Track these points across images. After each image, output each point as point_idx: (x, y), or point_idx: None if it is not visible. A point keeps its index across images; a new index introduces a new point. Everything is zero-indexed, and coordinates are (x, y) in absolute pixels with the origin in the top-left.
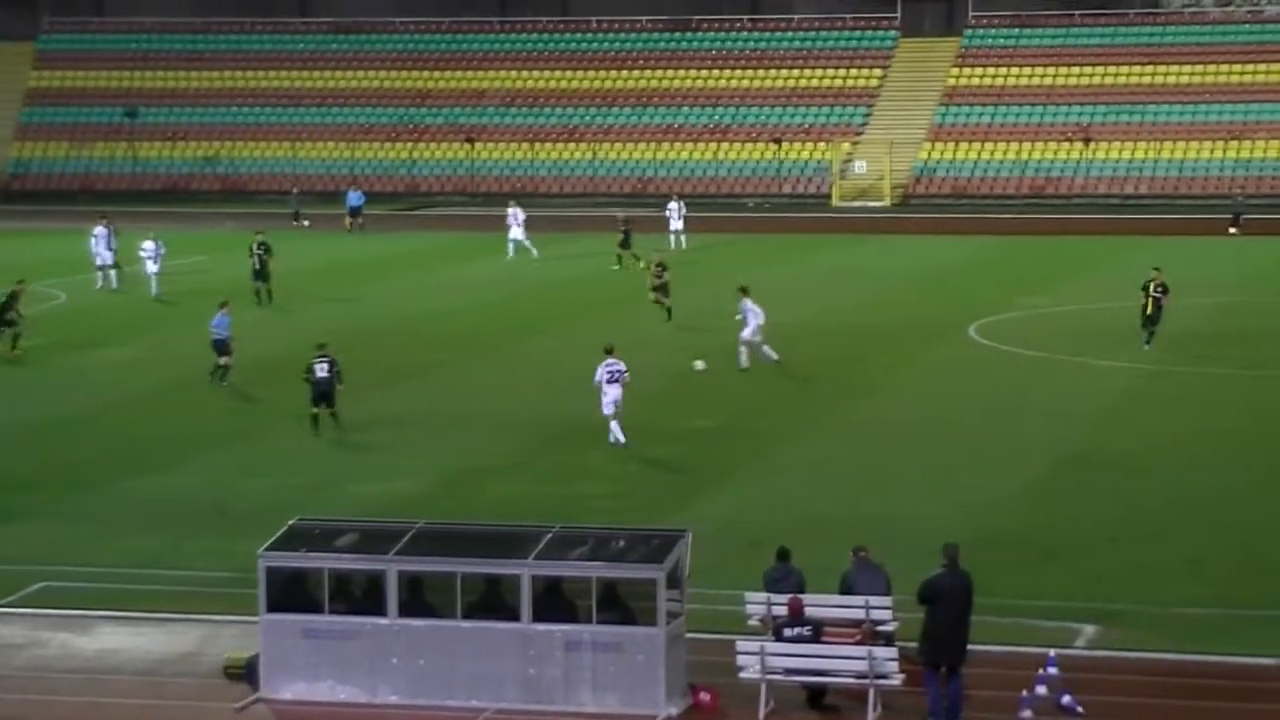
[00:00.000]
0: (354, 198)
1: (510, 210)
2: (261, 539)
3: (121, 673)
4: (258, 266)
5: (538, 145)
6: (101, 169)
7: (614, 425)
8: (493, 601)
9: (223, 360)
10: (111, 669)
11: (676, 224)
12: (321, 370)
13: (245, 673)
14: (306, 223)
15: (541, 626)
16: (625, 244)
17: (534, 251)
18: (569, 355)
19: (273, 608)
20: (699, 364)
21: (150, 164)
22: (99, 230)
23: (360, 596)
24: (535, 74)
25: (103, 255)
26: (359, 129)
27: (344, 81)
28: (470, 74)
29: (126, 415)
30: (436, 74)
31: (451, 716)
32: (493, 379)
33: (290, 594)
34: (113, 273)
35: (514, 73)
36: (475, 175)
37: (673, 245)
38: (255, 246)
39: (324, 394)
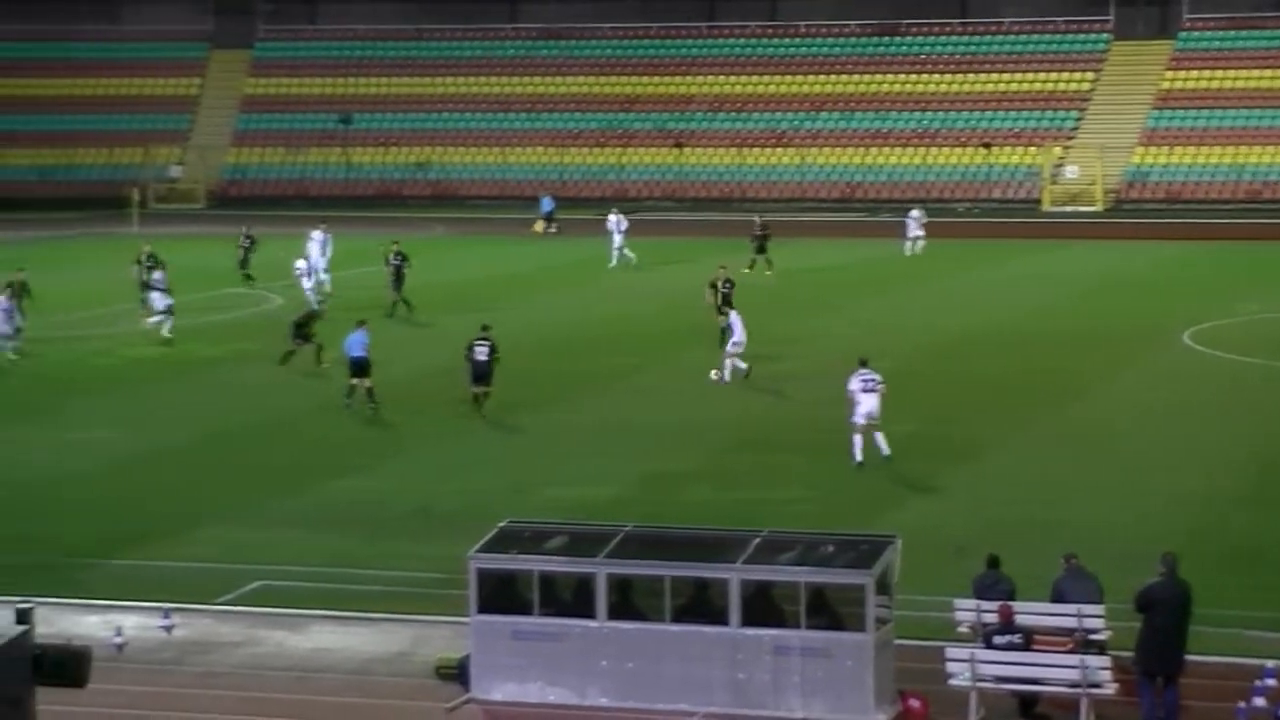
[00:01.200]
0: (546, 203)
1: (612, 217)
2: (465, 541)
3: (334, 671)
4: (394, 276)
5: (745, 150)
6: (315, 174)
7: (878, 437)
8: (701, 605)
9: (356, 381)
10: (324, 667)
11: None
12: (481, 353)
13: (456, 673)
14: (554, 228)
15: (750, 631)
16: (761, 249)
17: (633, 258)
18: (761, 360)
19: (483, 609)
20: (713, 375)
21: (363, 170)
22: (315, 235)
23: (570, 599)
24: (742, 79)
25: (315, 259)
26: (567, 134)
27: (552, 87)
28: (677, 79)
29: (330, 418)
30: (644, 79)
31: (660, 719)
32: (686, 383)
33: (500, 596)
34: (325, 277)
35: (721, 78)
36: (683, 180)
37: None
38: (392, 256)
39: (482, 375)
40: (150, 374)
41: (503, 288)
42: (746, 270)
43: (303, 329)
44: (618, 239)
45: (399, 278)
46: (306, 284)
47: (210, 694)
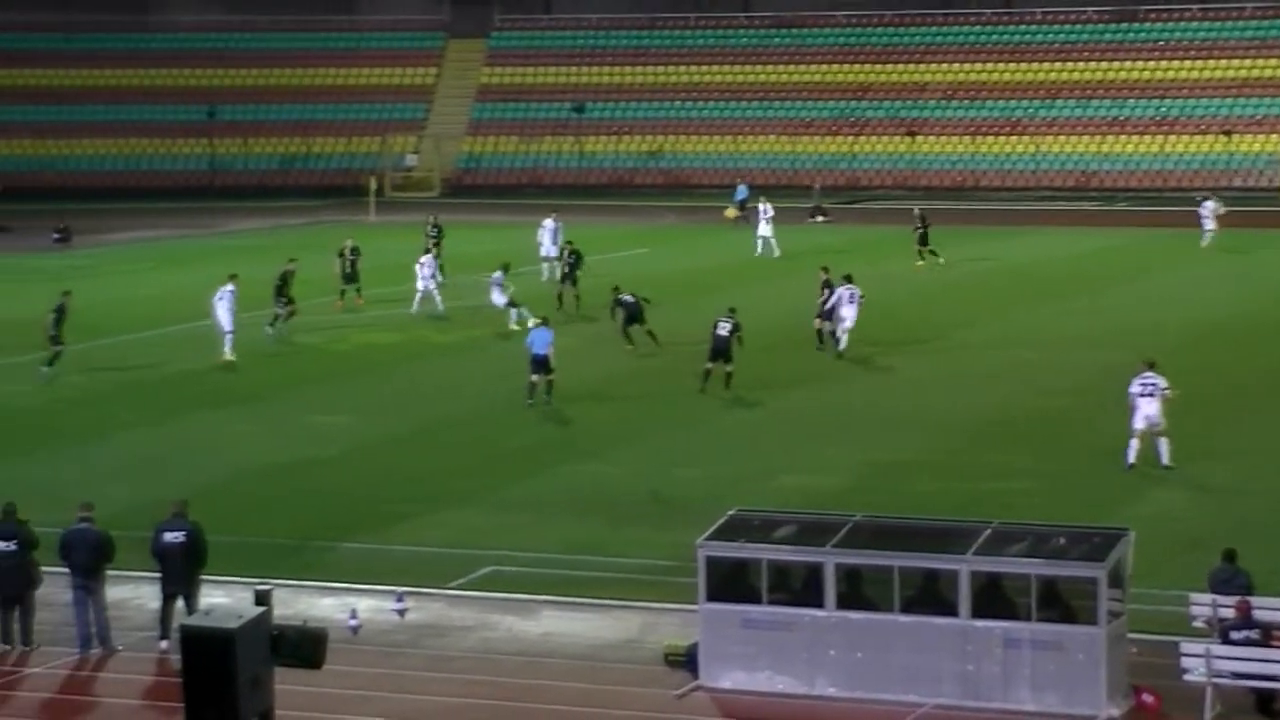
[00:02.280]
0: (740, 191)
1: (761, 206)
2: (695, 528)
3: (564, 656)
4: (566, 270)
5: (979, 139)
6: (548, 163)
7: (1160, 444)
8: (930, 597)
9: (537, 378)
10: (554, 652)
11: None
12: (723, 329)
13: (685, 660)
14: (821, 218)
15: (980, 623)
16: (924, 240)
17: (776, 251)
18: (991, 351)
19: (712, 597)
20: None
21: (595, 159)
22: (548, 223)
23: (798, 588)
24: (977, 66)
25: (547, 248)
26: (799, 123)
27: (785, 76)
28: (911, 67)
29: (563, 402)
30: (877, 67)
31: (888, 710)
32: (916, 373)
33: (729, 584)
34: (556, 265)
35: (955, 65)
36: (915, 169)
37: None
38: (566, 254)
39: (721, 351)
40: (385, 360)
41: (725, 275)
42: (919, 264)
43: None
44: (764, 227)
45: (572, 271)
46: (422, 277)
47: (442, 677)
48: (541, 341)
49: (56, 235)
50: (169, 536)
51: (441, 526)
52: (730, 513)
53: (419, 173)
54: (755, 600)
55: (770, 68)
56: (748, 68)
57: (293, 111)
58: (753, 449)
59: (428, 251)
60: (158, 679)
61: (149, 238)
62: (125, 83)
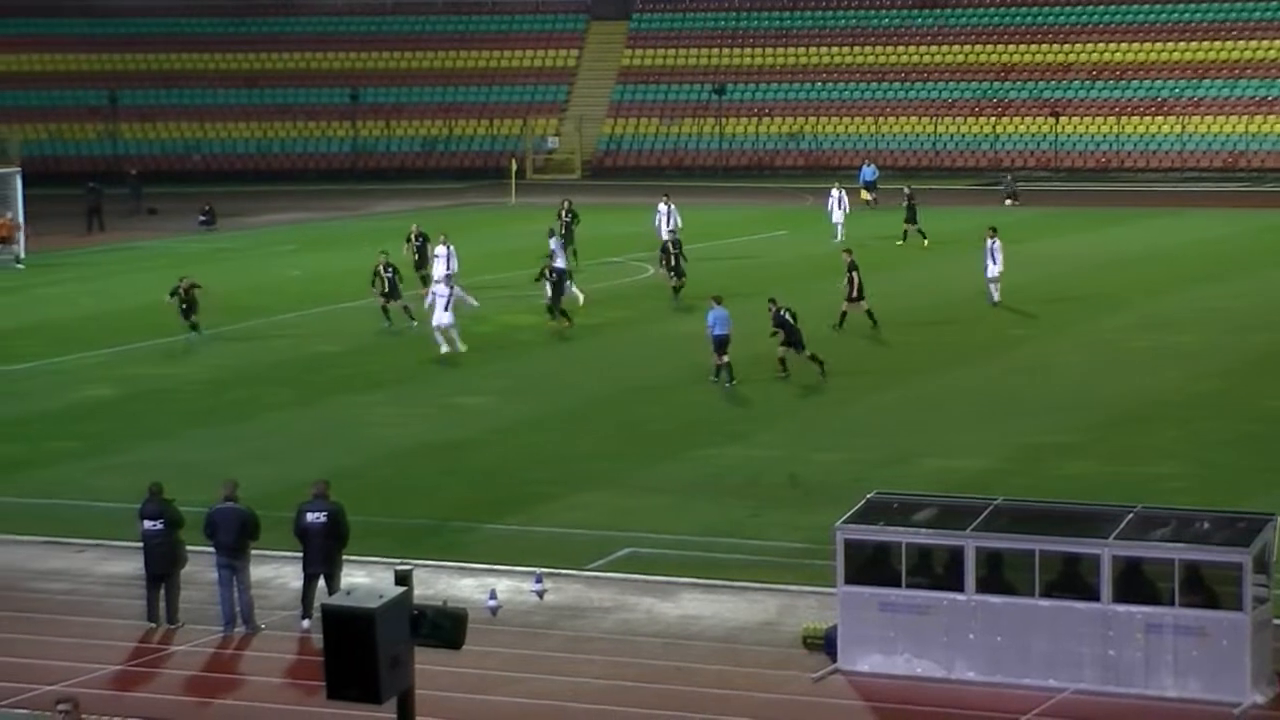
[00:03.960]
0: (867, 172)
1: (834, 192)
2: (834, 511)
3: (702, 638)
4: (673, 263)
5: (1124, 119)
6: (689, 145)
7: None
8: (1071, 581)
9: (724, 359)
10: (693, 634)
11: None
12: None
13: (823, 643)
14: (1010, 201)
15: (1122, 608)
16: (911, 219)
17: (840, 236)
18: (1140, 333)
19: (851, 580)
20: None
21: (736, 140)
22: (661, 207)
23: (937, 572)
24: (1122, 46)
25: (662, 231)
26: (941, 104)
27: (927, 56)
28: (1055, 47)
29: (706, 386)
30: (1021, 48)
31: (1028, 695)
32: (1063, 355)
33: (868, 567)
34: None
35: (1100, 45)
36: (1059, 150)
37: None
38: (671, 245)
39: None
40: (528, 341)
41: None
42: (899, 243)
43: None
44: (838, 215)
45: (677, 263)
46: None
47: (580, 658)
48: (721, 321)
49: (202, 218)
50: (311, 517)
51: (581, 508)
52: (869, 496)
53: (560, 155)
54: (894, 584)
55: (912, 48)
56: (889, 48)
57: (435, 94)
58: (893, 432)
59: (554, 234)
60: (299, 658)
61: (293, 220)
62: (271, 66)
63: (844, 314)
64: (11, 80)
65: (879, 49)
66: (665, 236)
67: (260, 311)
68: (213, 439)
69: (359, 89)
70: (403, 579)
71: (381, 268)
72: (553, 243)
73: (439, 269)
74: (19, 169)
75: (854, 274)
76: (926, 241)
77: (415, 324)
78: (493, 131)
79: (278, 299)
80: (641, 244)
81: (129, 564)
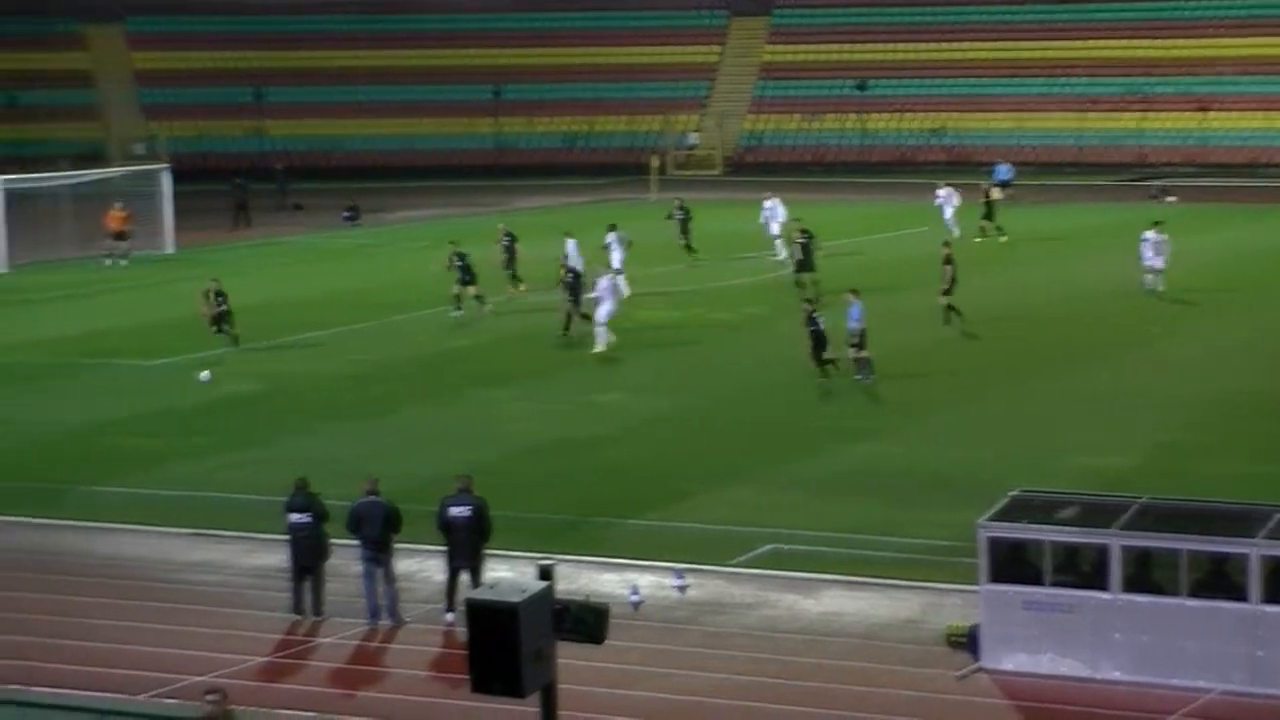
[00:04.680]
0: (1002, 170)
1: (942, 191)
2: (977, 509)
3: (844, 635)
4: (801, 256)
5: (1273, 114)
6: (830, 141)
7: None
8: (1219, 581)
9: (858, 354)
10: (835, 631)
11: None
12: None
13: (966, 642)
14: (1170, 198)
15: (1271, 608)
16: (988, 215)
17: (955, 232)
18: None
19: (994, 578)
20: (204, 374)
21: (878, 136)
22: (766, 204)
23: (1083, 570)
24: (1271, 40)
25: (772, 228)
26: (1085, 99)
27: (1070, 51)
28: (1201, 41)
29: (845, 382)
30: (1166, 42)
31: (1175, 695)
32: (1215, 350)
33: (1011, 565)
34: (779, 243)
35: (1249, 39)
36: (1206, 146)
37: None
38: (798, 234)
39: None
40: (663, 338)
41: (1002, 251)
42: (978, 240)
43: None
44: (948, 212)
45: (807, 255)
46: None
47: (722, 654)
48: (855, 314)
49: (346, 214)
50: (454, 511)
51: (722, 504)
52: (1013, 493)
53: (701, 151)
54: (1038, 582)
55: (1056, 43)
56: (1032, 43)
57: (577, 90)
58: (1037, 428)
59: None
60: (444, 651)
61: (435, 216)
62: (415, 63)
63: (947, 308)
64: (161, 78)
65: (1021, 43)
66: (774, 232)
67: (401, 307)
68: (353, 433)
69: (502, 85)
70: (545, 574)
71: (452, 257)
72: (569, 245)
73: (615, 258)
74: (168, 165)
75: (948, 267)
76: (1005, 238)
77: (489, 307)
78: (633, 128)
79: (417, 294)
80: (754, 244)
81: (275, 556)
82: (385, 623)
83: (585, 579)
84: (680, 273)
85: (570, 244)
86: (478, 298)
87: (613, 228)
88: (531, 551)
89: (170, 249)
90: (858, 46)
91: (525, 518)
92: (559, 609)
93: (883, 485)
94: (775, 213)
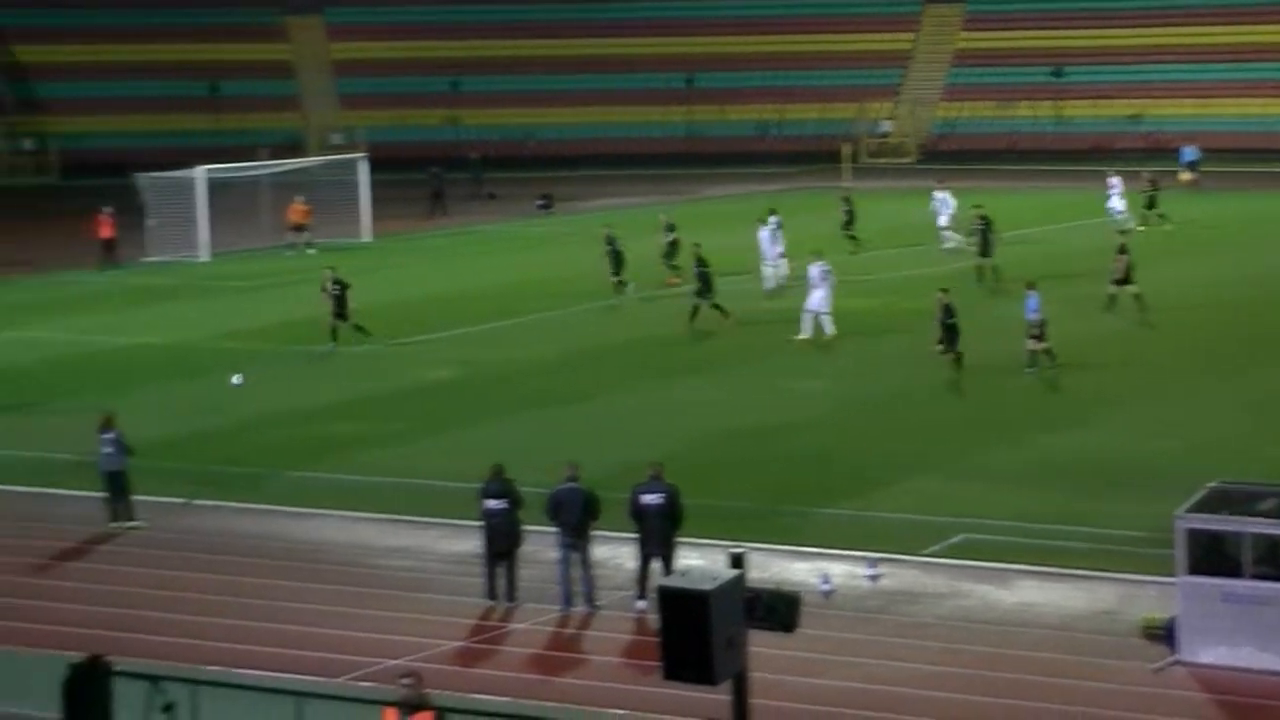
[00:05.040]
0: (1188, 152)
1: (1112, 180)
2: (1174, 500)
3: (1038, 626)
4: (981, 244)
5: None
6: (1025, 128)
7: None
8: None
9: (1042, 344)
10: (1028, 622)
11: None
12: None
13: (1163, 634)
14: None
15: None
16: (1151, 204)
17: (1131, 221)
18: None
19: (1192, 570)
20: (236, 378)
21: (1074, 123)
22: (937, 194)
23: None
24: None
25: (941, 219)
26: (1276, 84)
27: (1260, 36)
28: None
29: (1023, 370)
30: None
31: None
32: None
33: (1210, 557)
34: (946, 233)
35: None
36: None
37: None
38: (976, 221)
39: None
40: (858, 326)
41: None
42: (1141, 228)
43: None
44: (1118, 202)
45: (986, 243)
46: (769, 262)
47: (914, 644)
48: (1032, 306)
49: (540, 203)
50: (647, 498)
51: (914, 493)
52: (1211, 484)
53: (894, 139)
54: (1237, 574)
55: (1250, 27)
56: (1229, 28)
57: (769, 78)
58: (1236, 418)
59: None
60: (635, 638)
61: (626, 204)
62: (607, 52)
63: (1112, 296)
64: (359, 68)
65: (1218, 28)
66: (943, 223)
67: (594, 295)
68: (548, 420)
69: (694, 73)
70: (737, 561)
71: (606, 242)
72: (762, 233)
73: (774, 244)
74: (365, 154)
75: (1124, 256)
76: (1169, 226)
77: (632, 290)
78: (826, 115)
79: (609, 283)
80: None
81: (470, 542)
82: (578, 609)
83: (777, 567)
84: (870, 260)
85: (764, 232)
86: (620, 283)
87: (772, 212)
88: (723, 539)
89: (367, 238)
90: (1053, 32)
91: (717, 505)
92: (750, 597)
93: (1074, 475)
94: (945, 204)
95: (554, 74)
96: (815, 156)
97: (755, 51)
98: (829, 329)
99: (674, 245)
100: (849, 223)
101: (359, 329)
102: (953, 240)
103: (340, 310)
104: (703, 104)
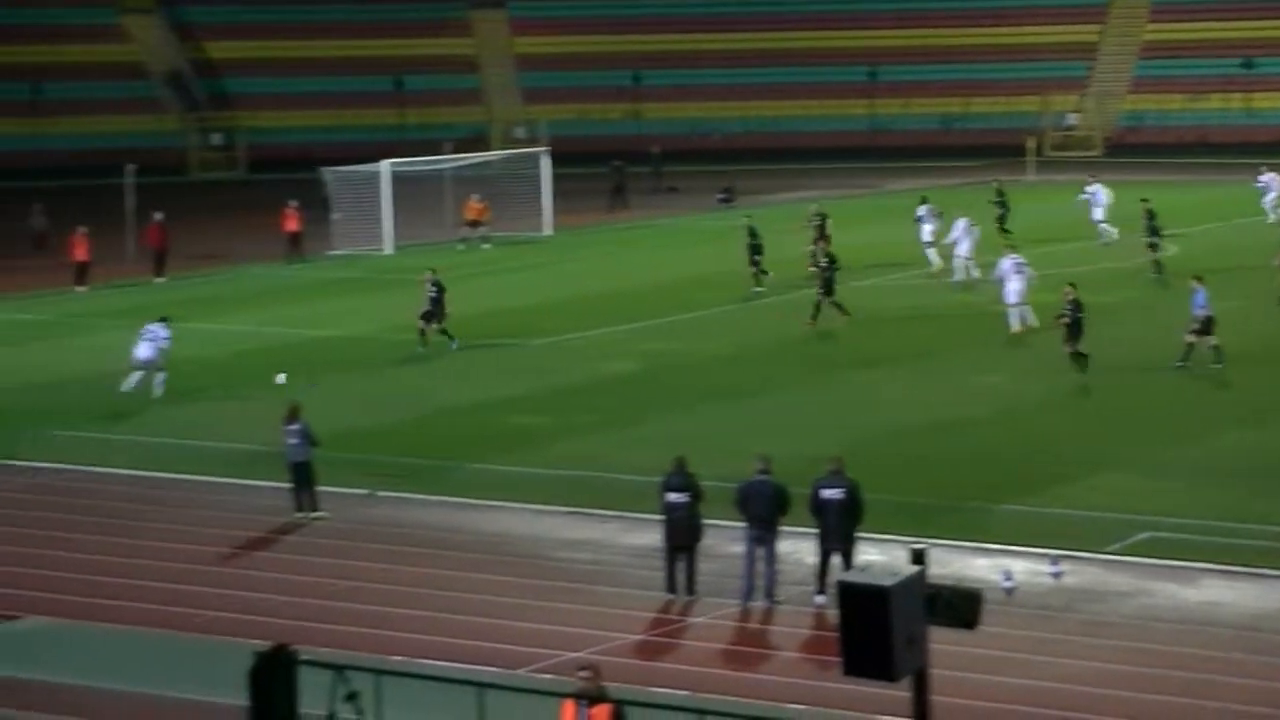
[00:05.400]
0: None
1: (1264, 177)
2: None
3: (1225, 625)
4: (1149, 236)
5: None
6: (1215, 120)
7: None
8: None
9: (1195, 339)
10: (1214, 621)
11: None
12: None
13: None
14: None
15: None
16: None
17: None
18: None
19: None
20: (280, 377)
21: (1264, 115)
22: (1089, 188)
23: None
24: None
25: (1095, 213)
26: None
27: None
28: None
29: (1231, 368)
30: None
31: None
32: None
33: None
34: (1111, 230)
35: None
36: None
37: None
38: (1144, 215)
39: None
40: (1042, 320)
41: None
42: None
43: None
44: (1272, 195)
45: (1156, 236)
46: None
47: (1097, 643)
48: (1200, 302)
49: (721, 196)
50: (827, 493)
51: (1097, 490)
52: None
53: (1080, 132)
54: None
55: None
56: None
57: (953, 71)
58: None
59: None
60: (815, 633)
61: (807, 198)
62: (789, 45)
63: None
64: (541, 62)
65: None
66: (1098, 217)
67: (775, 288)
68: (730, 414)
69: (877, 66)
70: (918, 557)
71: (748, 234)
72: (959, 224)
73: (926, 231)
74: (547, 149)
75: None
76: None
77: (763, 287)
78: (1010, 108)
79: (791, 275)
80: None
81: (649, 535)
82: (758, 603)
83: (958, 563)
84: (1050, 255)
85: (960, 223)
86: (759, 272)
87: (924, 201)
88: (903, 535)
89: (549, 231)
90: (1242, 23)
91: (898, 501)
92: (931, 593)
93: (1260, 473)
94: (1098, 198)
95: (735, 67)
96: (999, 150)
97: (939, 44)
98: (1030, 319)
99: (822, 234)
100: (1003, 216)
101: (444, 333)
102: (1108, 234)
103: (431, 312)
104: (886, 97)
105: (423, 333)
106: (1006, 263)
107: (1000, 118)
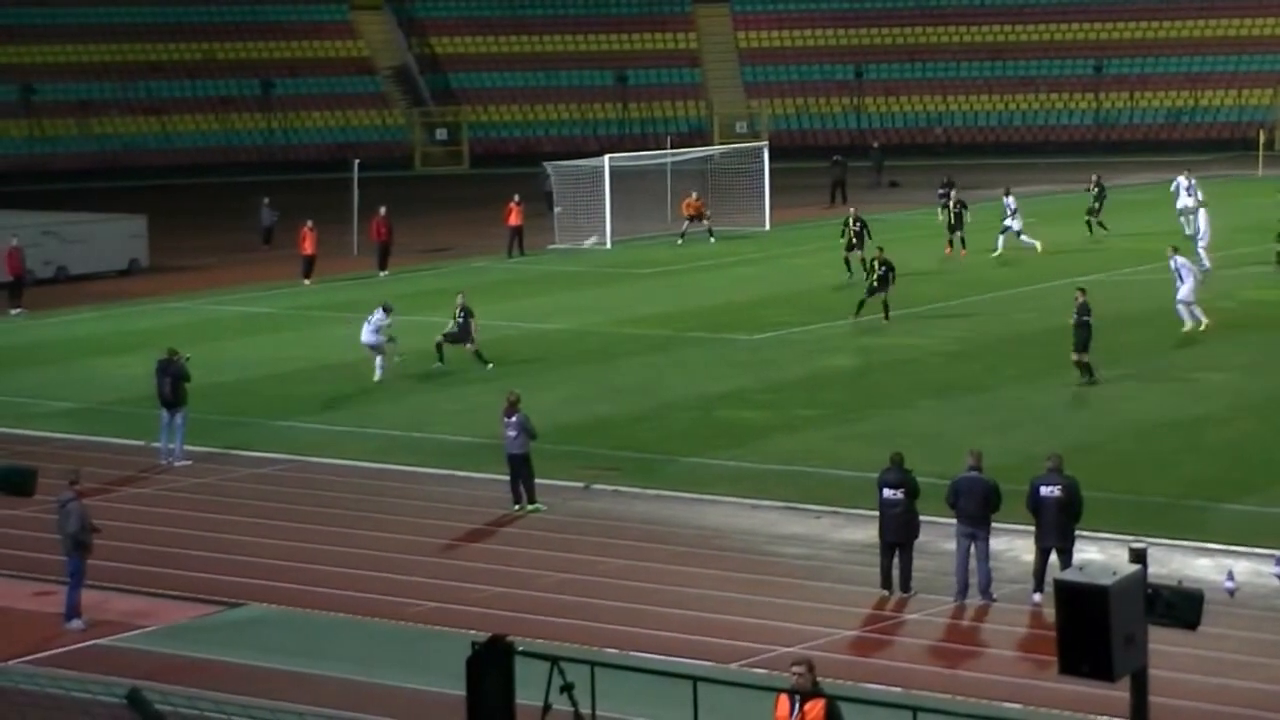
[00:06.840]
0: None
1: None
2: None
3: None
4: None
5: None
6: None
7: None
8: None
9: None
10: None
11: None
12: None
13: None
14: None
15: None
16: None
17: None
18: None
19: None
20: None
21: None
22: (1180, 180)
23: None
24: None
25: (1182, 200)
26: None
27: None
28: None
29: None
30: None
31: None
32: None
33: None
34: (1193, 219)
35: None
36: None
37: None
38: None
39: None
40: (1272, 316)
41: None
42: None
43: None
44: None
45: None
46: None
47: None
48: None
49: (942, 191)
50: (1045, 490)
51: None
52: None
53: None
54: None
55: None
56: None
57: (1182, 64)
58: None
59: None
60: (1031, 631)
61: (1032, 193)
62: (1014, 39)
63: None
64: (763, 56)
65: None
66: (1186, 204)
67: (1000, 285)
68: (949, 410)
69: (1103, 60)
70: (1138, 556)
71: (850, 223)
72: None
73: (1202, 226)
74: (766, 143)
75: None
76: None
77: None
78: (1241, 101)
79: (1019, 272)
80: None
81: (865, 531)
82: (973, 600)
83: (1178, 563)
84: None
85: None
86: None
87: (1007, 192)
88: (1123, 534)
89: (767, 226)
90: None
91: (1117, 499)
92: (1151, 593)
93: None
94: (1181, 190)
95: (958, 61)
96: (1229, 144)
97: (1166, 36)
98: (1201, 318)
99: (960, 219)
100: (1097, 209)
101: (478, 355)
102: (1190, 228)
103: (456, 335)
104: (1112, 91)
105: (440, 347)
106: (1177, 262)
107: (1230, 111)
